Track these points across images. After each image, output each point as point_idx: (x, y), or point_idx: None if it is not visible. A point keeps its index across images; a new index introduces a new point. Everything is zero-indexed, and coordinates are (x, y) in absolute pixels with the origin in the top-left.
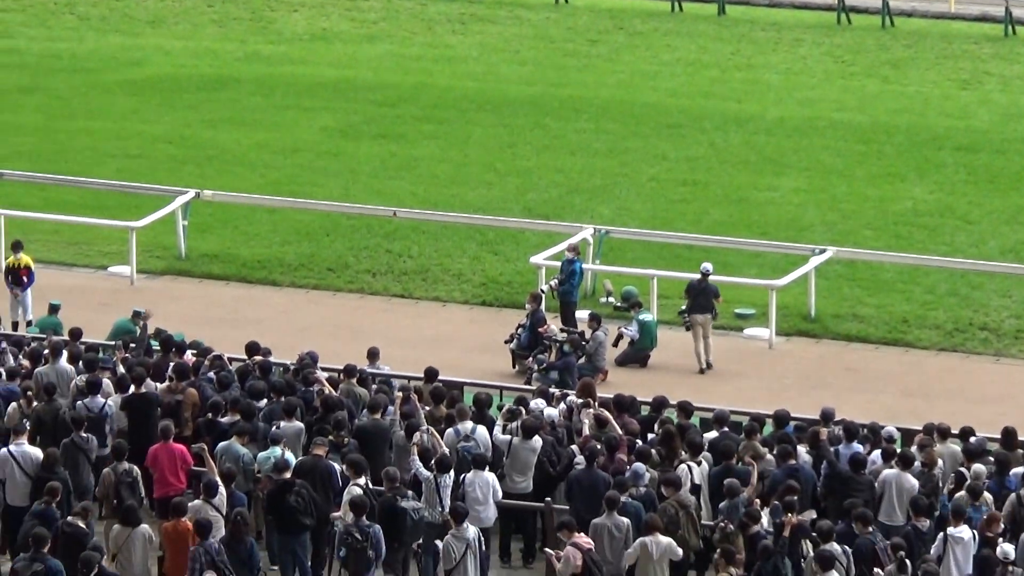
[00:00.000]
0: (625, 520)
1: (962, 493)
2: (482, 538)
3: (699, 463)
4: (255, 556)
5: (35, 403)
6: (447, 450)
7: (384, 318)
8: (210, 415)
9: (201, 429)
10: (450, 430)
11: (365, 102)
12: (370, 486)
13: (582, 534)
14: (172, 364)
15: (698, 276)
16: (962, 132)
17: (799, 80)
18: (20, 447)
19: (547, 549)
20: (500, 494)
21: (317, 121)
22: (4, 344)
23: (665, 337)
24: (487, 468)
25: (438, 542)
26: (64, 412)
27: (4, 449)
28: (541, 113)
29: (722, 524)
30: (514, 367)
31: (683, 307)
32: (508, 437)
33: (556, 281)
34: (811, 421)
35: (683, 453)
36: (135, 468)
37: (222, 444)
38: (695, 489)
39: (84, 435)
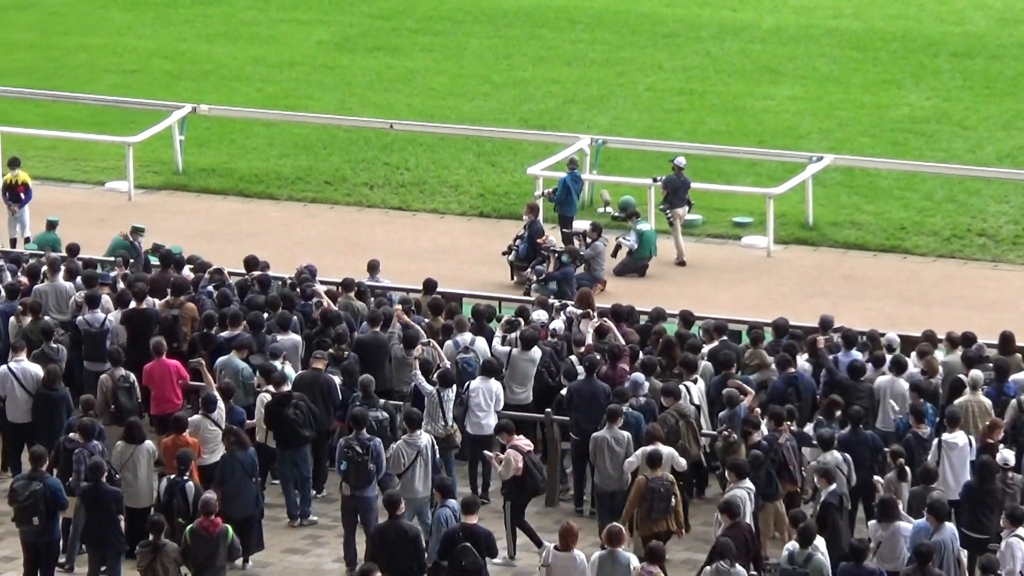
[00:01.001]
0: (625, 433)
1: (961, 399)
2: (435, 446)
3: (695, 381)
4: (255, 464)
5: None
6: (448, 363)
7: (382, 230)
8: (204, 329)
9: (196, 343)
10: (449, 342)
11: (360, 15)
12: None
13: (521, 436)
14: (171, 279)
15: (673, 172)
16: (958, 37)
17: None
18: (20, 364)
19: (486, 451)
20: (502, 404)
21: (313, 34)
22: (2, 261)
23: (664, 246)
24: (494, 377)
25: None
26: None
27: (4, 366)
28: (536, 24)
29: (725, 433)
30: (513, 278)
31: (663, 204)
32: (507, 348)
33: (550, 190)
34: (810, 329)
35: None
36: (131, 374)
37: (221, 359)
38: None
39: (54, 345)
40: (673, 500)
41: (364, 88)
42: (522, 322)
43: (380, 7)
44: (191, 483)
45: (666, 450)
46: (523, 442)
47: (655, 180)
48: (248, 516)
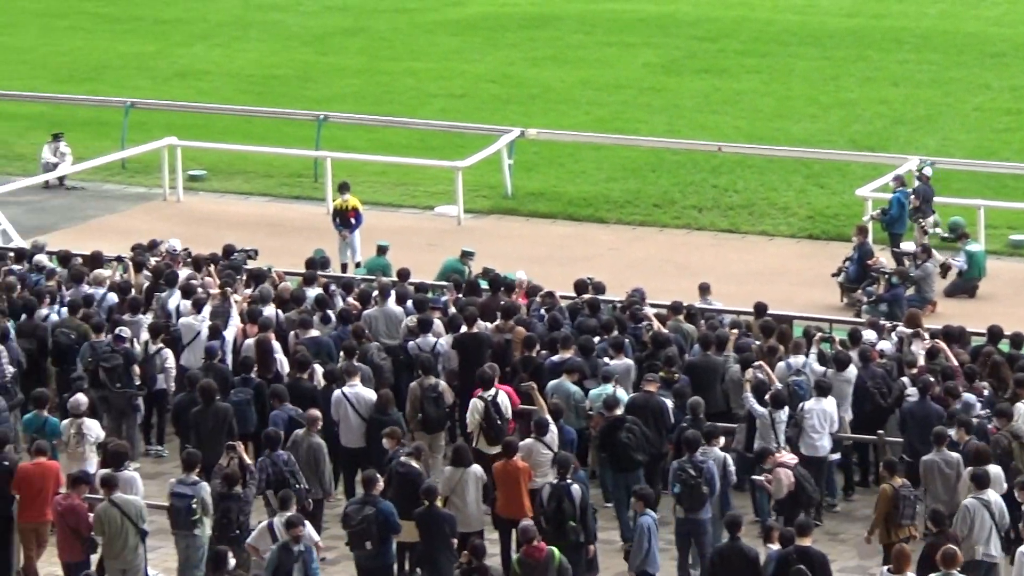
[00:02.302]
0: (955, 455)
1: None
2: (730, 465)
3: None
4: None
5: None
6: (780, 385)
7: (711, 253)
8: (526, 352)
9: (517, 366)
10: (781, 364)
11: (686, 37)
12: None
13: (782, 453)
14: (501, 303)
15: (921, 182)
16: None
17: None
18: (354, 389)
19: (755, 476)
20: (836, 426)
21: (639, 57)
22: (334, 286)
23: (994, 267)
24: (828, 396)
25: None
26: (370, 354)
27: (338, 391)
28: (863, 45)
29: None
30: (842, 300)
31: (914, 214)
32: (823, 368)
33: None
34: None
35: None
36: (441, 383)
37: (553, 382)
38: None
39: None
40: (919, 507)
41: (691, 111)
42: (835, 338)
43: (707, 29)
44: (576, 486)
45: (994, 470)
46: (788, 457)
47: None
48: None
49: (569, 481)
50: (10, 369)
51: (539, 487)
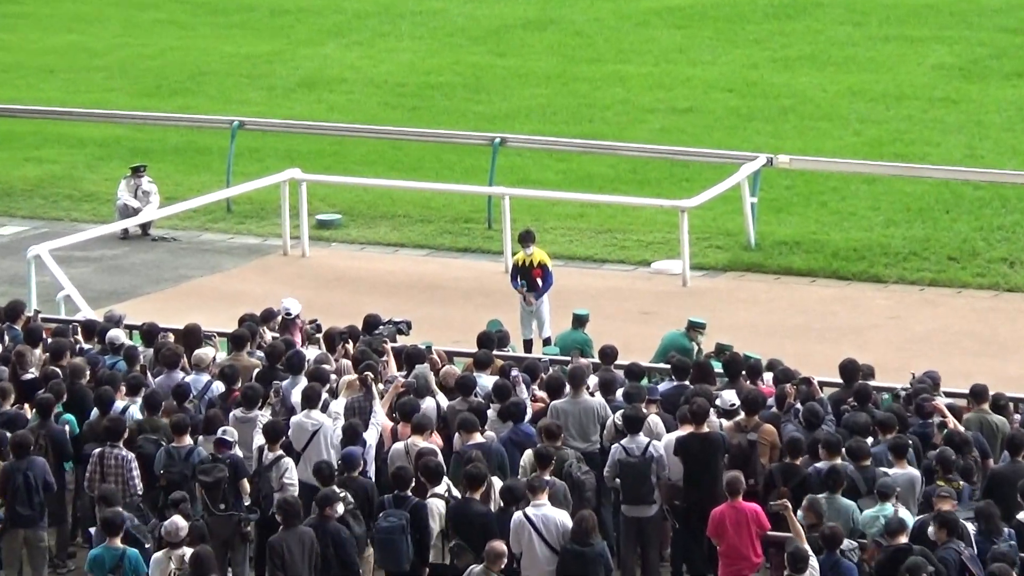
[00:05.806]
0: None
1: None
2: None
3: None
4: None
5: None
6: None
7: None
8: (786, 459)
9: (774, 476)
10: None
11: (993, 29)
12: None
13: None
14: (743, 392)
15: None
16: None
17: None
18: (540, 510)
19: None
20: None
21: (928, 57)
22: (515, 371)
23: None
24: None
25: None
26: (568, 464)
27: (519, 513)
28: None
29: None
30: None
31: None
32: None
33: None
34: None
35: None
36: None
37: (810, 496)
38: None
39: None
40: None
41: (999, 129)
42: None
43: (1020, 18)
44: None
45: None
46: None
47: None
48: None
49: None
50: (139, 484)
51: None
